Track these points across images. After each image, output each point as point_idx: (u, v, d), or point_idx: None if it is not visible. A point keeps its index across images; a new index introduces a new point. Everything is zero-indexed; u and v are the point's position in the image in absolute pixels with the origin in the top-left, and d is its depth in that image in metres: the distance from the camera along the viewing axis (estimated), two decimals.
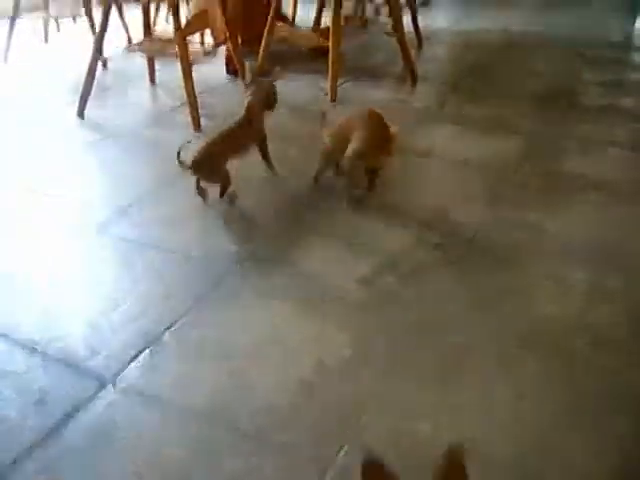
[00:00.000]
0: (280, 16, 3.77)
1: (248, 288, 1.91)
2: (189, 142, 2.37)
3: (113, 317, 1.79)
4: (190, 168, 2.29)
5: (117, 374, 1.59)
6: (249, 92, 2.46)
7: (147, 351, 1.67)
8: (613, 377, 1.61)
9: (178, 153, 2.27)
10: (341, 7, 3.33)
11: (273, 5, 3.51)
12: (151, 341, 1.70)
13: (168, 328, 1.75)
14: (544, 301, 1.87)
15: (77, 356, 1.65)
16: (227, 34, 3.27)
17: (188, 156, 2.28)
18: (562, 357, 1.67)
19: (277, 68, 2.71)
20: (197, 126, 2.93)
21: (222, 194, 2.35)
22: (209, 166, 2.32)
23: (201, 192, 2.38)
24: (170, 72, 3.28)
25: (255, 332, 1.73)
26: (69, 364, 1.63)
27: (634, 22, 4.93)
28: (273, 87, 2.50)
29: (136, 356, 1.65)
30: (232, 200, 2.35)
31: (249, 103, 2.44)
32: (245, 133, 2.43)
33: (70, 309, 1.85)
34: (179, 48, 2.92)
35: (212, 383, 1.56)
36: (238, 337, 1.72)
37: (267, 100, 2.48)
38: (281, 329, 1.75)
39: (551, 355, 1.67)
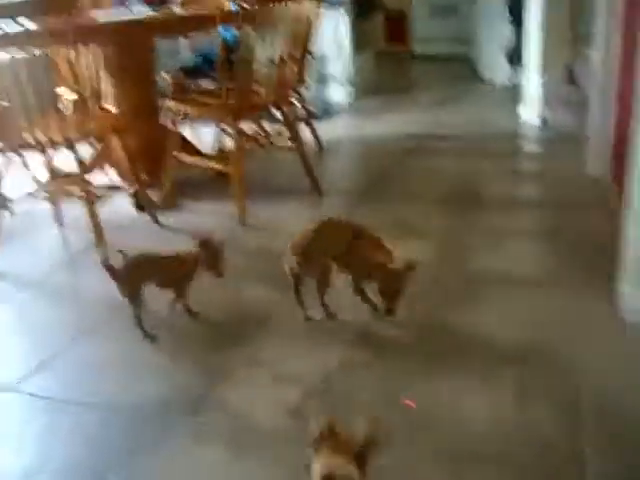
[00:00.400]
0: (183, 143, 3.83)
1: (177, 436, 1.86)
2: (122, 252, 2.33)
3: None
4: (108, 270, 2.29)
5: None
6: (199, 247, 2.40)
7: None
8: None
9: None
10: (240, 131, 3.42)
11: (173, 134, 3.57)
12: None
13: None
14: (479, 410, 1.89)
15: None
16: (131, 170, 3.29)
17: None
18: (504, 466, 1.68)
19: None
20: None
21: (137, 321, 2.33)
22: (128, 278, 2.31)
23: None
24: (77, 210, 3.25)
25: None
26: None
27: (519, 115, 5.22)
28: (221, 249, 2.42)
29: None
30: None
31: (197, 253, 2.38)
32: (176, 269, 2.41)
33: None
34: (82, 190, 2.92)
35: None
36: None
37: (210, 261, 2.40)
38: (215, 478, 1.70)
39: (492, 465, 1.68)
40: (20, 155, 3.58)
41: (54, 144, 2.99)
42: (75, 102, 3.20)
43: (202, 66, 4.60)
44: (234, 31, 3.42)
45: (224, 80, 3.21)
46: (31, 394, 2.11)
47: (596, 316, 2.32)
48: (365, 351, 2.21)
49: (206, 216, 3.50)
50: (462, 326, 2.30)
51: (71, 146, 2.93)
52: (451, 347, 2.19)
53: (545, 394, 1.94)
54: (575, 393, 1.93)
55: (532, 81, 5.11)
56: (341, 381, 2.05)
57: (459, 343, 2.21)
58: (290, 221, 3.35)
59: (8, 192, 3.08)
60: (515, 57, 5.98)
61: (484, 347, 2.18)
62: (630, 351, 2.12)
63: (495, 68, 6.53)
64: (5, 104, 2.80)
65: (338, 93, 6.14)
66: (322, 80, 5.89)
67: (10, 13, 2.81)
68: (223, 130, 4.20)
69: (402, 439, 1.78)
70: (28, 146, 2.95)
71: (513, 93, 5.91)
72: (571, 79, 5.11)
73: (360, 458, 1.41)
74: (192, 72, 4.61)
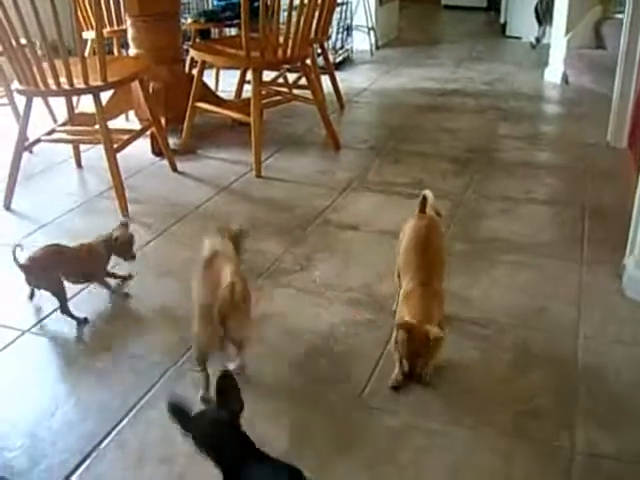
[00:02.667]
0: (204, 90, 3.83)
1: (184, 384, 1.91)
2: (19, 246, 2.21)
3: (52, 424, 1.78)
4: (22, 268, 2.19)
5: None
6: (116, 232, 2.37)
7: (88, 460, 1.66)
8: (543, 447, 1.68)
9: (13, 252, 2.16)
10: (261, 81, 3.42)
11: (195, 83, 3.57)
12: (92, 449, 1.70)
13: (108, 433, 1.75)
14: (474, 373, 1.94)
15: (17, 469, 1.63)
16: (151, 115, 3.30)
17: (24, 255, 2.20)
18: (494, 430, 1.73)
19: None
20: (125, 211, 2.94)
21: (61, 308, 2.22)
22: (42, 272, 2.21)
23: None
24: (96, 152, 3.29)
25: None
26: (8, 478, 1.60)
27: (542, 75, 5.18)
28: (131, 238, 2.43)
29: (77, 466, 1.65)
30: (80, 323, 2.22)
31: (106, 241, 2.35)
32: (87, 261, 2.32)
33: (7, 418, 1.82)
34: (102, 133, 2.93)
35: None
36: (177, 438, 1.73)
37: (121, 248, 2.40)
38: None
39: (483, 428, 1.74)
40: (41, 96, 3.61)
41: (76, 89, 2.97)
42: (95, 46, 3.19)
43: (226, 12, 4.57)
44: None
45: (247, 31, 3.19)
46: (45, 336, 2.16)
47: (602, 290, 2.34)
48: (368, 310, 2.25)
49: (223, 164, 3.53)
50: (462, 293, 2.31)
51: (92, 90, 2.93)
52: (452, 308, 2.19)
53: (543, 360, 1.98)
54: (573, 361, 1.97)
55: (558, 40, 5.05)
56: (344, 339, 2.10)
57: (458, 312, 2.21)
58: (304, 174, 3.38)
59: (29, 133, 3.10)
60: (545, 15, 5.91)
61: (483, 316, 2.20)
62: (631, 326, 2.15)
63: (524, 25, 6.44)
64: (23, 41, 2.78)
65: (361, 43, 6.09)
66: (345, 30, 5.84)
67: None
68: (244, 79, 4.20)
69: (397, 398, 1.84)
70: (50, 90, 2.93)
71: (540, 52, 5.85)
72: (598, 42, 5.04)
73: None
74: (216, 18, 4.59)
